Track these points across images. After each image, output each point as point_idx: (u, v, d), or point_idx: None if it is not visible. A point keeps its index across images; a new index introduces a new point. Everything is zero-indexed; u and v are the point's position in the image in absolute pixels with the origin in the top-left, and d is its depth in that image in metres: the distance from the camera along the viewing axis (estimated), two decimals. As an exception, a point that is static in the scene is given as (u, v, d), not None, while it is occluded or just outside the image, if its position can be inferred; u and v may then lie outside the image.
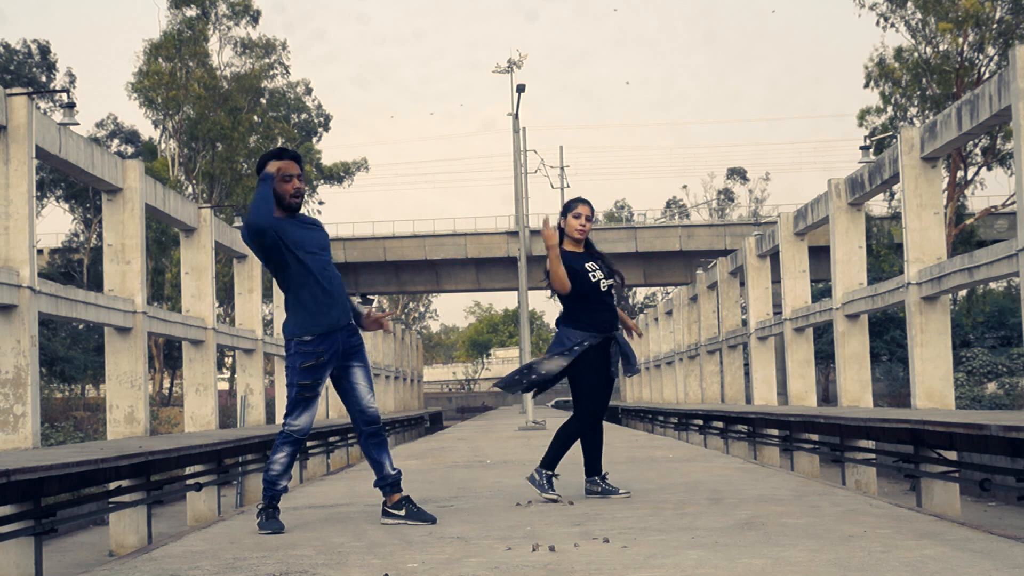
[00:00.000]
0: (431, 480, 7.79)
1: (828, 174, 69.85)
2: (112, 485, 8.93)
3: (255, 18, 42.68)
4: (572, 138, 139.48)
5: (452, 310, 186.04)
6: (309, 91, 46.39)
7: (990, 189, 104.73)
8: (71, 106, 14.82)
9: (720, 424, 18.36)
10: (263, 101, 43.94)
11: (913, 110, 34.49)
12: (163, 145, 43.01)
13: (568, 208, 6.41)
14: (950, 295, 14.64)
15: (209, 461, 11.13)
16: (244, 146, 41.27)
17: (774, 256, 20.35)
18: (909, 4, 33.58)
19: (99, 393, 39.62)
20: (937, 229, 13.38)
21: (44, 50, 41.68)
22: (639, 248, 44.62)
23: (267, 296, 27.45)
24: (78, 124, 14.73)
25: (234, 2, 41.99)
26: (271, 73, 43.81)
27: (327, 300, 5.32)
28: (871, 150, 25.56)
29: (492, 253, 45.67)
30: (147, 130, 51.84)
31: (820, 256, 22.26)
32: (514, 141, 24.75)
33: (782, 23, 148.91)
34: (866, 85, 34.85)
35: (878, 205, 39.01)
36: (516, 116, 24.97)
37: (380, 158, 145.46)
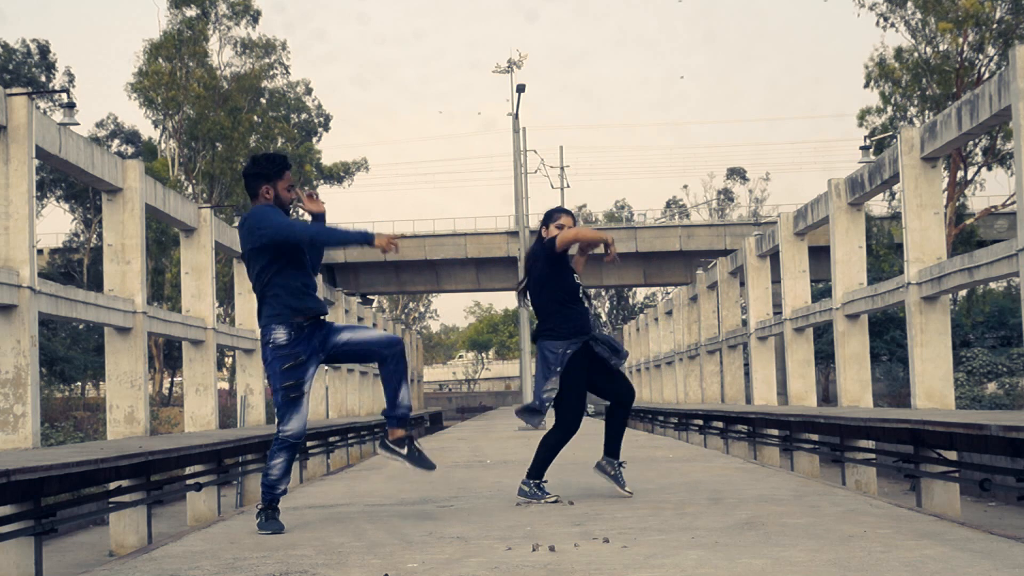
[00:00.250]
0: (431, 480, 7.79)
1: (828, 174, 69.85)
2: (112, 485, 8.93)
3: (255, 18, 42.68)
4: (572, 138, 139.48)
5: (452, 310, 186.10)
6: (309, 91, 46.41)
7: (990, 189, 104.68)
8: (71, 106, 14.84)
9: (720, 424, 18.36)
10: (263, 101, 43.94)
11: (913, 110, 34.48)
12: (163, 145, 43.01)
13: (551, 218, 6.40)
14: (950, 295, 14.63)
15: (209, 461, 11.13)
16: (244, 146, 41.26)
17: (774, 256, 20.35)
18: (909, 4, 33.57)
19: (99, 393, 39.62)
20: (937, 229, 13.38)
21: (43, 50, 41.68)
22: (639, 248, 44.60)
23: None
24: (78, 124, 14.75)
25: (234, 2, 41.98)
26: (271, 73, 43.81)
27: (304, 292, 5.40)
28: (871, 150, 25.58)
29: (492, 253, 45.67)
30: (147, 130, 51.85)
31: (820, 256, 22.25)
32: (514, 141, 24.76)
33: (782, 23, 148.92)
34: (866, 85, 34.85)
35: (878, 205, 39.02)
36: (516, 116, 24.97)
37: (380, 158, 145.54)
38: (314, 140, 46.67)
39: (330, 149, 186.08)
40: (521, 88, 23.93)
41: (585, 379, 6.27)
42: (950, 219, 32.12)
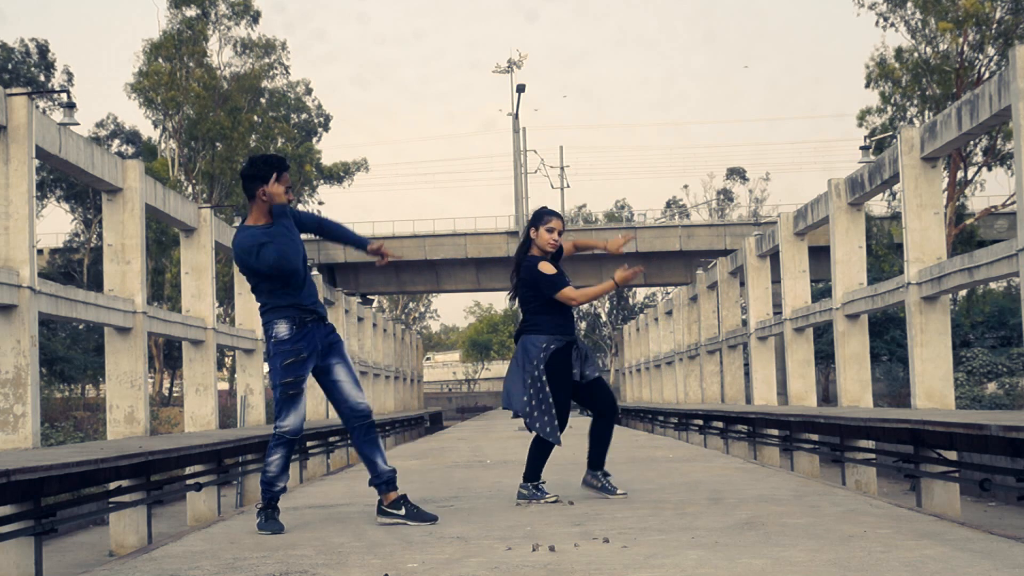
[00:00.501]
0: (431, 480, 7.79)
1: (828, 174, 69.84)
2: (112, 485, 8.93)
3: (255, 18, 42.66)
4: (572, 138, 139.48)
5: (452, 310, 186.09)
6: (309, 91, 46.38)
7: (990, 189, 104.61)
8: (71, 106, 14.83)
9: (720, 424, 18.36)
10: (263, 101, 43.93)
11: (913, 110, 34.48)
12: (163, 145, 43.00)
13: (540, 220, 6.33)
14: (950, 295, 14.62)
15: (209, 461, 11.13)
16: (244, 146, 41.24)
17: (774, 256, 20.35)
18: (909, 4, 33.56)
19: (99, 393, 39.60)
20: (937, 229, 13.37)
21: (42, 50, 41.68)
22: (639, 248, 44.59)
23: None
24: (78, 124, 14.73)
25: (234, 2, 41.96)
26: (271, 73, 43.79)
27: (303, 290, 5.43)
28: (871, 150, 25.57)
29: (492, 253, 45.65)
30: (147, 130, 51.83)
31: (820, 256, 22.25)
32: (514, 141, 24.77)
33: (782, 23, 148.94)
34: (867, 85, 34.85)
35: (878, 205, 39.03)
36: (516, 116, 24.99)
37: (380, 158, 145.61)
38: (314, 140, 46.64)
39: (330, 149, 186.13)
40: (521, 88, 23.96)
41: (571, 380, 6.24)
42: (950, 219, 32.12)
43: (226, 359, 41.72)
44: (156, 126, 42.68)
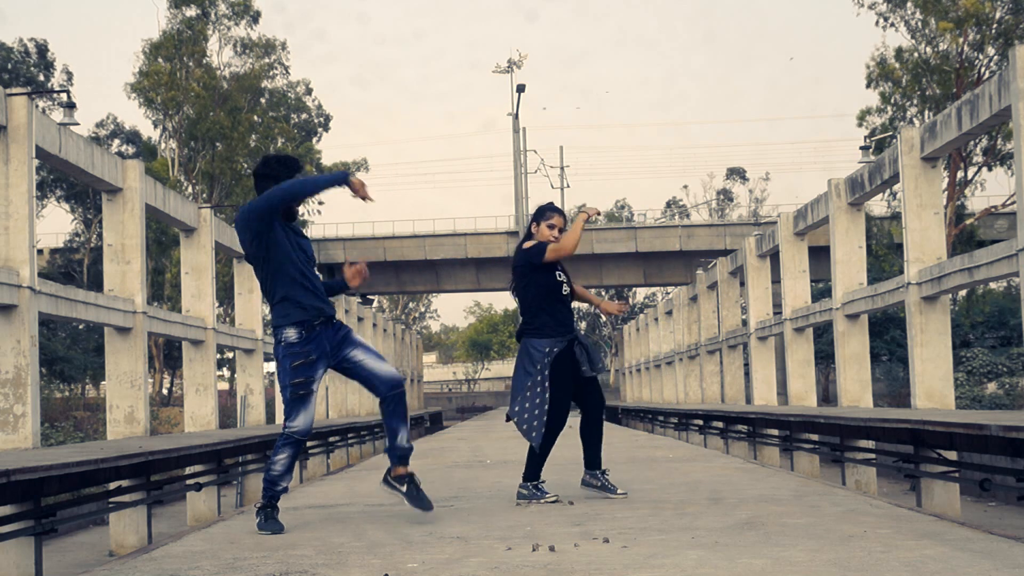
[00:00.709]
0: (431, 480, 7.78)
1: (828, 174, 69.84)
2: (112, 485, 8.93)
3: (255, 18, 42.68)
4: (572, 138, 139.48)
5: (452, 310, 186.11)
6: (309, 91, 46.41)
7: (990, 189, 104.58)
8: (71, 106, 14.82)
9: (720, 424, 18.36)
10: (263, 101, 43.94)
11: (913, 110, 34.49)
12: (163, 145, 43.01)
13: (542, 216, 6.36)
14: (950, 295, 14.63)
15: (209, 461, 11.13)
16: (244, 146, 41.26)
17: (774, 256, 20.34)
18: (909, 4, 33.57)
19: (99, 393, 39.62)
20: (937, 229, 13.38)
21: (41, 49, 41.70)
22: (639, 248, 44.58)
23: (267, 296, 27.42)
24: (78, 124, 14.74)
25: (234, 2, 41.98)
26: (271, 73, 43.81)
27: (312, 293, 5.44)
28: (871, 150, 25.56)
29: (492, 253, 45.65)
30: (147, 130, 51.82)
31: (820, 256, 22.25)
32: (514, 141, 24.79)
33: (782, 23, 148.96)
34: (868, 85, 34.86)
35: (878, 205, 39.02)
36: (516, 116, 25.00)
37: (380, 158, 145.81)
38: (314, 140, 46.67)
39: (330, 149, 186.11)
40: (521, 88, 23.97)
41: (571, 379, 6.25)
42: (950, 219, 32.12)
43: (226, 357, 41.72)
44: (156, 126, 42.73)
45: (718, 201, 69.25)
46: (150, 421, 13.54)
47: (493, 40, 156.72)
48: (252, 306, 18.54)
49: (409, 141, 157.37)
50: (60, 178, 40.94)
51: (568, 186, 37.15)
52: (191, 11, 41.22)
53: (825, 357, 34.40)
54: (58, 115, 30.89)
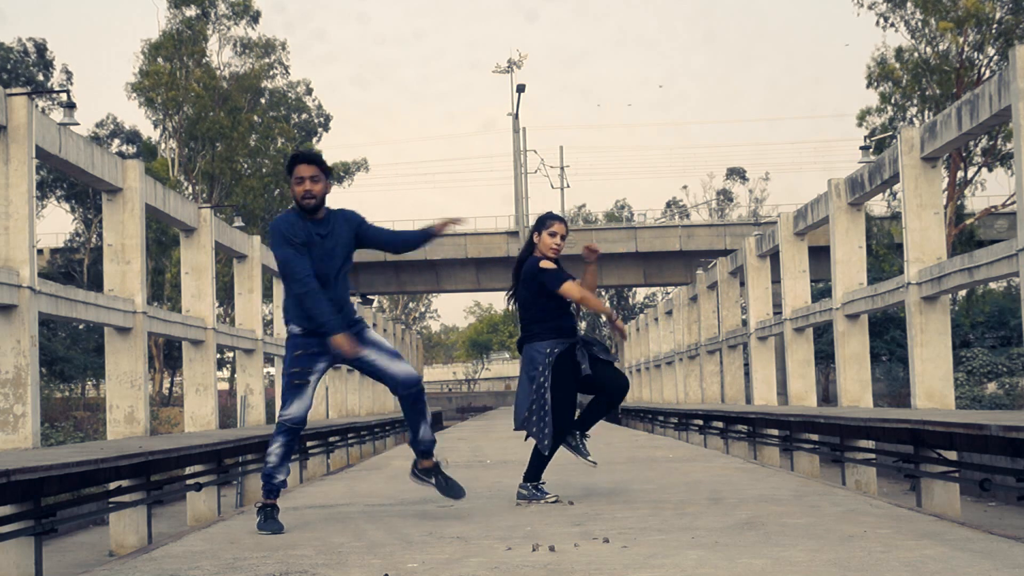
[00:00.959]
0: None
1: (828, 174, 69.80)
2: (112, 485, 8.92)
3: (255, 18, 42.66)
4: (572, 138, 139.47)
5: (452, 310, 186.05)
6: (309, 91, 46.36)
7: (990, 189, 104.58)
8: (71, 106, 14.81)
9: (720, 424, 18.36)
10: (263, 101, 43.92)
11: (913, 110, 34.49)
12: (163, 145, 43.00)
13: (543, 224, 6.31)
14: (950, 295, 14.62)
15: (209, 461, 11.13)
16: (244, 146, 41.24)
17: (774, 256, 20.34)
18: (909, 4, 33.56)
19: (99, 393, 39.60)
20: (937, 229, 13.37)
21: (41, 49, 41.68)
22: (639, 248, 44.60)
23: (267, 296, 27.46)
24: (78, 124, 14.72)
25: (234, 2, 41.96)
26: (271, 73, 43.78)
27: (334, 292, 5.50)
28: (871, 150, 25.56)
29: (492, 253, 45.64)
30: (147, 130, 51.79)
31: (820, 256, 22.24)
32: (514, 141, 24.80)
33: (782, 23, 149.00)
34: (868, 85, 34.85)
35: (878, 205, 39.00)
36: (516, 116, 25.01)
37: (380, 158, 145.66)
38: (314, 140, 46.63)
39: (330, 149, 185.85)
40: (521, 88, 23.98)
41: (574, 381, 6.22)
42: (950, 219, 32.11)
43: (226, 357, 41.73)
44: (156, 126, 42.70)
45: (718, 201, 69.25)
46: (150, 421, 13.54)
47: (493, 40, 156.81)
48: (252, 306, 18.54)
49: (409, 141, 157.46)
50: (60, 178, 40.93)
51: (568, 186, 37.21)
52: (191, 11, 41.21)
53: (825, 357, 34.40)
54: (58, 115, 30.90)
